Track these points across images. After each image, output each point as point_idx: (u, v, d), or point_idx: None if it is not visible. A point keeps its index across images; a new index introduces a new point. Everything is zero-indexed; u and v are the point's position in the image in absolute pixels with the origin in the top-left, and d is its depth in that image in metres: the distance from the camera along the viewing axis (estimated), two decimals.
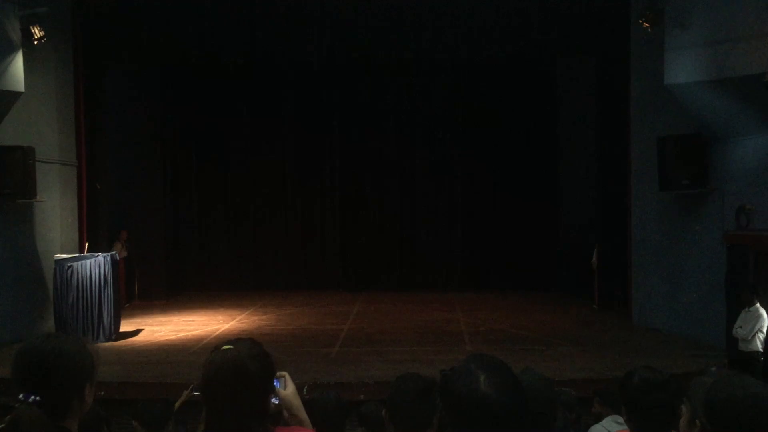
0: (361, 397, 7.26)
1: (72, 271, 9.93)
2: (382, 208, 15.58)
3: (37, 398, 1.85)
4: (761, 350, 7.70)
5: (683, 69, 9.49)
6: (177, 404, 5.88)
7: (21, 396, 1.86)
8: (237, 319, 11.88)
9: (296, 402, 2.19)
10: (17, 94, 9.83)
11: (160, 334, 10.68)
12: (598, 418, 5.30)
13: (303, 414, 2.21)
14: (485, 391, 1.60)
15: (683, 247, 10.20)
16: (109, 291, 10.05)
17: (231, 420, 1.88)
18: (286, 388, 2.18)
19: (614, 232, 11.92)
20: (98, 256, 10.19)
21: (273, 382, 2.06)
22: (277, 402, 2.12)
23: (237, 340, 2.02)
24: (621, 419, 4.99)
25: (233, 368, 1.91)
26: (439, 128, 15.28)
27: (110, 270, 10.10)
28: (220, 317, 12.08)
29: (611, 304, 12.01)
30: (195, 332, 10.73)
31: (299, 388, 2.29)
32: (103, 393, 6.71)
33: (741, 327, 7.87)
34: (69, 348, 1.99)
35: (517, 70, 14.56)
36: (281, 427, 2.04)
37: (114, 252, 10.71)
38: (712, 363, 8.20)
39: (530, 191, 14.96)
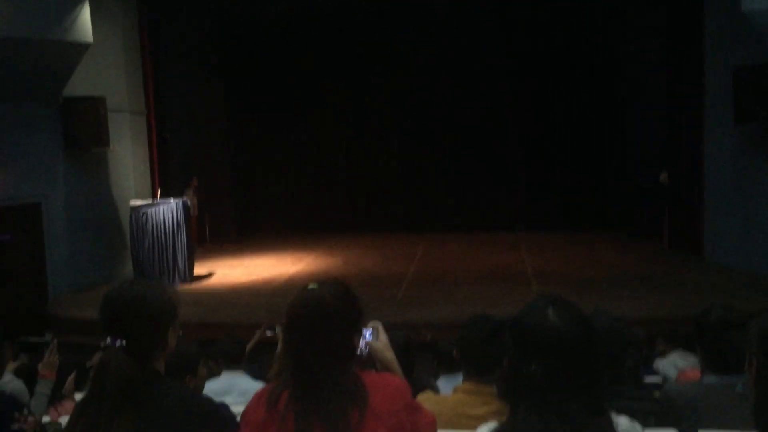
0: (429, 337, 7.36)
1: (146, 217, 10.27)
2: (446, 149, 15.45)
3: (123, 342, 1.95)
4: None
5: None
6: (250, 345, 6.10)
7: (108, 340, 1.96)
8: (305, 262, 12.12)
9: (389, 354, 2.08)
10: (86, 45, 10.04)
11: (231, 276, 11.02)
12: (663, 356, 5.29)
13: (396, 367, 2.10)
14: (553, 321, 1.63)
15: (758, 183, 9.82)
16: (183, 235, 10.38)
17: (312, 359, 1.84)
18: (378, 338, 2.07)
19: (686, 169, 11.55)
20: (170, 201, 10.50)
21: (359, 325, 1.98)
22: (366, 350, 2.04)
23: (324, 280, 1.98)
24: (686, 354, 4.98)
25: (316, 306, 1.89)
26: (502, 65, 14.94)
27: (182, 215, 10.41)
28: (288, 259, 12.35)
29: (682, 243, 11.72)
30: (265, 275, 11.02)
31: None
32: (181, 333, 7.00)
33: None
34: (152, 293, 2.08)
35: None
36: (367, 371, 1.95)
37: (185, 198, 11.00)
38: None
39: (597, 127, 14.58)
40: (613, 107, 14.37)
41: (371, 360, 2.05)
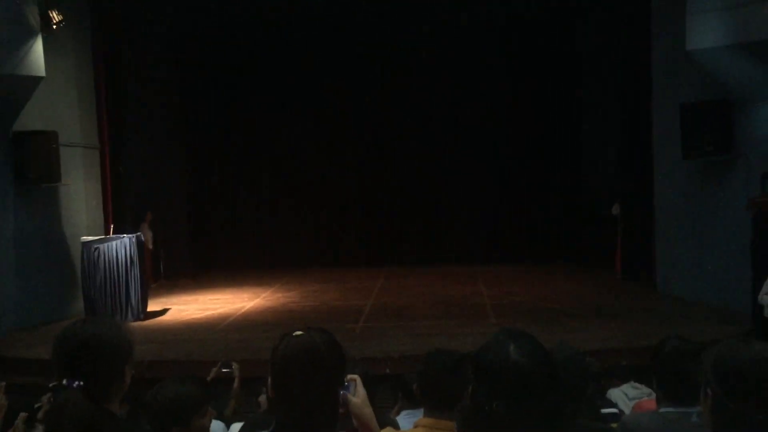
0: (387, 371, 7.33)
1: (99, 253, 10.06)
2: (403, 184, 15.56)
3: (81, 383, 1.90)
4: None
5: (706, 33, 9.31)
6: (208, 379, 5.98)
7: (64, 381, 1.91)
8: (262, 297, 12.00)
9: (367, 411, 1.96)
10: (38, 78, 9.88)
11: (186, 312, 10.83)
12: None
13: (374, 424, 2.00)
14: (515, 358, 1.63)
15: (708, 214, 10.11)
16: (136, 271, 10.19)
17: (301, 408, 1.79)
18: (356, 394, 1.94)
19: (637, 200, 11.83)
20: (124, 237, 10.31)
21: (344, 375, 1.91)
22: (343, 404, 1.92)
23: (308, 328, 1.92)
24: (638, 385, 5.06)
25: (307, 352, 1.83)
26: (456, 102, 15.16)
27: (136, 251, 10.22)
28: (244, 295, 12.21)
29: (635, 273, 11.95)
30: (221, 310, 10.86)
31: None
32: (133, 372, 6.83)
33: (767, 294, 7.81)
34: (108, 332, 2.04)
35: (537, 34, 14.39)
36: None
37: (139, 233, 10.83)
38: (732, 331, 8.18)
39: (551, 161, 14.89)
40: (567, 141, 14.69)
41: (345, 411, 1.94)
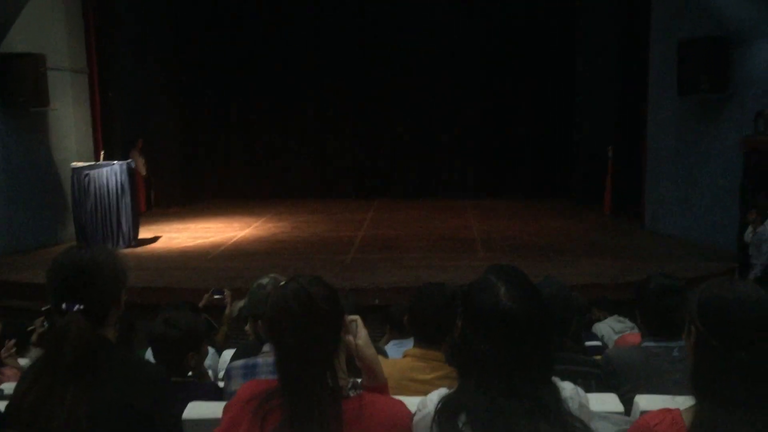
0: (376, 301, 7.45)
1: (89, 179, 10.01)
2: (396, 116, 15.44)
3: (81, 307, 1.92)
4: None
5: None
6: (200, 305, 6.07)
7: (64, 305, 1.92)
8: (253, 227, 12.04)
9: (369, 351, 1.91)
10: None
11: (177, 240, 10.88)
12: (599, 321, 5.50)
13: (379, 365, 1.96)
14: (506, 303, 1.65)
15: (698, 153, 10.13)
16: (127, 198, 10.16)
17: (301, 358, 1.76)
18: (357, 334, 1.91)
19: (629, 137, 11.81)
20: (114, 164, 10.24)
21: (343, 318, 1.87)
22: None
23: (297, 275, 1.89)
24: (622, 318, 5.19)
25: (299, 299, 1.80)
26: (450, 34, 14.91)
27: (126, 178, 10.17)
28: (236, 224, 12.25)
29: (623, 211, 12.04)
30: (212, 239, 10.91)
31: None
32: (125, 298, 6.90)
33: (752, 232, 7.93)
34: (104, 258, 2.05)
35: None
36: (374, 393, 1.87)
37: (130, 160, 10.76)
38: (717, 268, 8.32)
39: (546, 97, 14.78)
40: (562, 78, 14.52)
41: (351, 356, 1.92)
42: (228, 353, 4.21)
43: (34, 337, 4.67)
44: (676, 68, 9.81)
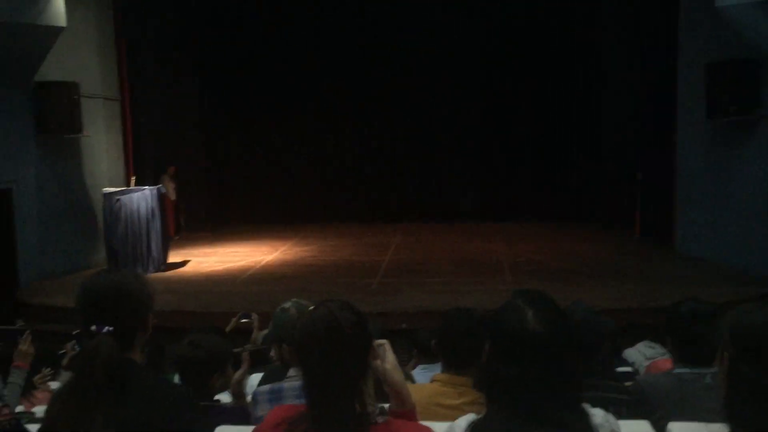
0: (403, 326, 7.41)
1: (120, 205, 10.17)
2: (422, 140, 15.49)
3: (111, 329, 1.95)
4: None
5: None
6: (227, 329, 6.10)
7: (93, 327, 1.95)
8: (280, 251, 12.10)
9: (398, 376, 1.93)
10: (59, 29, 9.87)
11: (206, 264, 10.96)
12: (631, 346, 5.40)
13: (406, 390, 1.97)
14: (534, 327, 1.65)
15: (729, 175, 10.00)
16: (157, 223, 10.30)
17: (329, 384, 1.77)
18: (386, 359, 1.91)
19: (658, 161, 11.70)
20: (145, 189, 10.40)
21: (371, 344, 1.87)
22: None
23: (326, 300, 1.90)
24: (653, 344, 5.09)
25: (328, 325, 1.80)
26: (476, 58, 14.98)
27: (157, 203, 10.32)
28: (263, 248, 12.32)
29: (653, 234, 11.89)
30: (240, 263, 10.98)
31: None
32: (155, 321, 6.96)
33: None
34: (131, 281, 2.09)
35: None
36: (399, 419, 1.86)
37: (160, 185, 10.91)
38: (750, 293, 8.16)
39: (572, 119, 14.73)
40: (588, 99, 14.50)
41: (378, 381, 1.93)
42: (256, 377, 4.23)
43: (65, 361, 4.73)
44: (705, 90, 9.73)
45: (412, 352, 4.83)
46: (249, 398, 3.40)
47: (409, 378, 3.84)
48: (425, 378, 3.49)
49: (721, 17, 9.37)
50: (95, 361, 1.89)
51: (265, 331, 4.76)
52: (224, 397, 3.67)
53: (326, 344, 1.78)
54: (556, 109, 14.81)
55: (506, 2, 14.43)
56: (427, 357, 4.33)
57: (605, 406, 1.88)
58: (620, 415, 2.15)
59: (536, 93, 14.90)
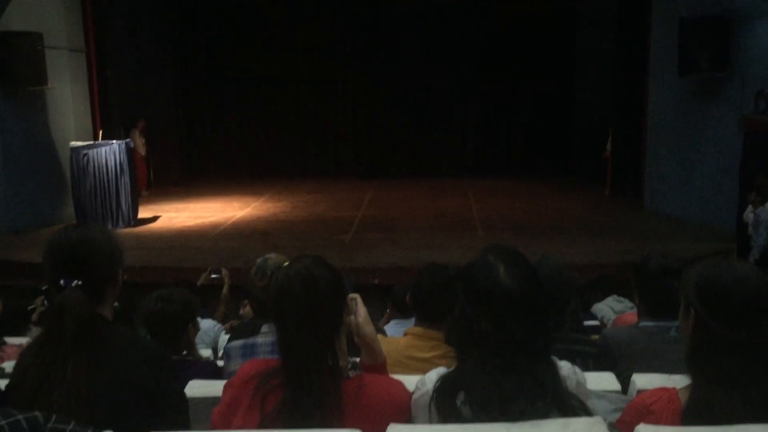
0: (375, 281, 7.48)
1: (88, 159, 9.99)
2: (395, 95, 15.39)
3: (79, 283, 1.93)
4: None
5: None
6: (198, 284, 6.11)
7: (62, 281, 1.93)
8: (252, 206, 12.04)
9: (368, 329, 1.93)
10: None
11: (177, 220, 10.88)
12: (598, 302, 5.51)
13: (377, 344, 1.98)
14: (505, 282, 1.67)
15: (698, 132, 10.10)
16: (126, 178, 10.16)
17: (303, 339, 1.79)
18: (357, 312, 1.93)
19: (629, 117, 11.77)
20: (113, 143, 10.22)
21: (345, 299, 1.91)
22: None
23: (300, 256, 1.91)
24: (621, 298, 5.20)
25: (303, 280, 1.82)
26: (450, 12, 14.82)
27: (126, 157, 10.16)
28: (235, 204, 12.25)
29: (623, 190, 12.02)
30: (211, 219, 10.92)
31: None
32: (126, 277, 6.92)
33: (752, 213, 7.93)
34: (99, 236, 2.06)
35: None
36: (360, 374, 1.88)
37: (129, 140, 10.73)
38: (716, 248, 8.34)
39: (544, 75, 14.71)
40: (561, 56, 14.46)
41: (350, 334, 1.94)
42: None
43: (34, 316, 4.69)
44: (677, 47, 9.75)
45: (387, 307, 4.88)
46: (221, 353, 3.42)
47: (381, 332, 3.89)
48: (398, 332, 3.53)
49: None
50: (64, 315, 1.87)
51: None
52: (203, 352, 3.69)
53: (301, 300, 1.80)
54: (528, 65, 14.75)
55: None
56: (402, 312, 4.38)
57: (572, 358, 1.92)
58: (586, 367, 2.20)
59: (508, 47, 14.81)
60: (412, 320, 2.99)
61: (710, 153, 9.91)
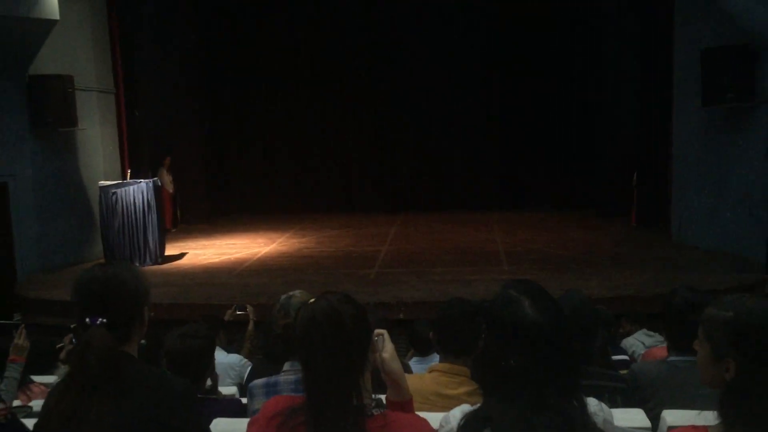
0: (401, 316, 7.44)
1: (116, 198, 10.16)
2: (420, 130, 15.46)
3: (104, 320, 1.95)
4: None
5: None
6: (225, 318, 6.12)
7: (87, 319, 1.95)
8: (277, 242, 12.10)
9: (395, 365, 1.92)
10: (53, 21, 9.84)
11: (203, 257, 10.96)
12: (627, 336, 5.43)
13: (404, 380, 1.96)
14: (532, 315, 1.65)
15: (725, 163, 9.99)
16: (153, 216, 10.29)
17: (329, 376, 1.77)
18: (384, 348, 1.91)
19: (655, 148, 11.70)
20: (141, 182, 10.38)
21: (371, 337, 1.89)
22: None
23: (326, 292, 1.90)
24: (651, 332, 5.11)
25: (328, 317, 1.81)
26: (475, 41, 14.94)
27: (153, 195, 10.30)
28: (260, 240, 12.32)
29: (650, 222, 11.90)
30: (237, 255, 10.98)
31: None
32: (153, 314, 6.97)
33: None
34: (127, 273, 2.09)
35: None
36: (397, 411, 1.87)
37: (156, 178, 10.89)
38: (746, 280, 8.17)
39: (569, 108, 14.72)
40: (586, 88, 14.46)
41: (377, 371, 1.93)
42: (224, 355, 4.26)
43: (62, 355, 4.73)
44: (701, 77, 9.71)
45: (409, 345, 4.84)
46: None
47: (407, 368, 3.86)
48: (420, 370, 3.50)
49: (716, 3, 9.36)
50: (88, 354, 1.89)
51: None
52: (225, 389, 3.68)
53: (327, 337, 1.79)
54: (554, 99, 14.77)
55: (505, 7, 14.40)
56: (422, 350, 4.34)
57: (600, 394, 1.89)
58: (615, 403, 2.17)
59: (533, 80, 14.85)
60: (433, 357, 2.96)
61: (738, 183, 9.80)
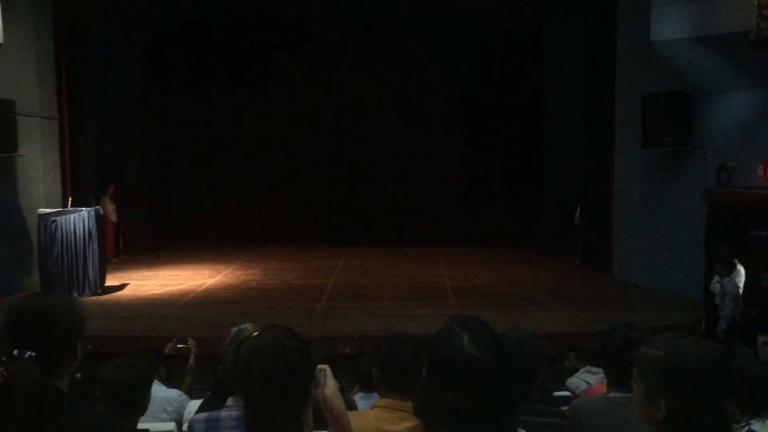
0: (347, 350, 7.38)
1: (56, 226, 9.88)
2: (367, 165, 15.54)
3: (33, 354, 1.87)
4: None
5: (669, 25, 9.47)
6: (166, 351, 5.96)
7: (15, 352, 1.87)
8: (222, 274, 11.92)
9: (337, 402, 1.88)
10: None
11: (145, 288, 10.72)
12: (573, 371, 5.49)
13: (345, 417, 1.92)
14: (469, 351, 1.65)
15: (665, 204, 10.32)
16: (94, 245, 10.03)
17: (270, 412, 1.74)
18: (326, 384, 1.87)
19: (596, 189, 12.00)
20: (82, 210, 10.14)
21: (313, 372, 1.85)
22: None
23: (271, 325, 1.86)
24: (595, 369, 5.19)
25: (272, 351, 1.78)
26: (424, 85, 15.18)
27: (95, 224, 10.06)
28: (205, 272, 12.13)
29: (592, 260, 12.15)
30: (180, 287, 10.77)
31: None
32: (89, 347, 6.76)
33: (718, 283, 8.04)
34: (61, 306, 2.01)
35: (504, 25, 14.42)
36: None
37: (98, 206, 10.65)
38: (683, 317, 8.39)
39: (514, 148, 15.02)
40: (531, 128, 14.78)
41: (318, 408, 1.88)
42: (195, 404, 4.13)
43: None
44: (641, 121, 10.05)
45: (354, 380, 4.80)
46: (186, 426, 3.32)
47: (352, 404, 3.81)
48: (365, 406, 3.47)
49: (656, 51, 9.73)
50: (14, 387, 1.81)
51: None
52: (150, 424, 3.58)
53: (270, 371, 1.75)
54: (497, 137, 15.09)
55: (451, 39, 14.70)
56: (366, 384, 4.30)
57: (541, 430, 1.90)
58: None
59: (479, 121, 15.14)
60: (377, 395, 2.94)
61: (676, 224, 10.11)
